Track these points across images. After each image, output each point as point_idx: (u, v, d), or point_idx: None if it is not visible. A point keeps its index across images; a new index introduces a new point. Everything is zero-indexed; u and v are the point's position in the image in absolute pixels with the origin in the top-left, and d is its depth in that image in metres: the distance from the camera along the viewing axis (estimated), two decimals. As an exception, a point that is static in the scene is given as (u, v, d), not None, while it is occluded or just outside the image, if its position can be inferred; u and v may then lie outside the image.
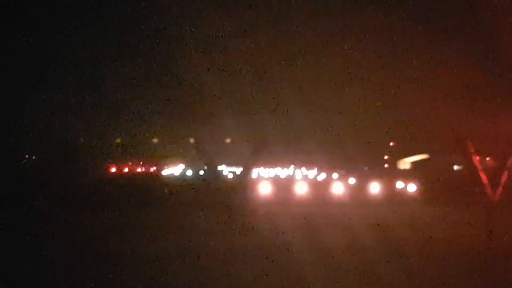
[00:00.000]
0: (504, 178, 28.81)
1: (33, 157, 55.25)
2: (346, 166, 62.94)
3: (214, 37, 25.14)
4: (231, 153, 47.02)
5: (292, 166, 74.13)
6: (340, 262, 19.72)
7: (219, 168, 45.80)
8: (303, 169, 72.86)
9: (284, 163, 72.98)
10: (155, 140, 42.39)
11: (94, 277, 17.05)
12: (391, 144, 55.18)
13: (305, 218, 32.69)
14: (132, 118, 32.02)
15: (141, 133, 37.75)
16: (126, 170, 66.70)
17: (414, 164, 64.86)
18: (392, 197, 47.04)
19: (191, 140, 38.93)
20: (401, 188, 52.88)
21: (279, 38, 25.58)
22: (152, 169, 67.22)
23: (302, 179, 62.83)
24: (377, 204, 42.47)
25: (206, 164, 39.04)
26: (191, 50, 25.32)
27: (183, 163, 66.65)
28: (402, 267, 19.17)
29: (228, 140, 38.37)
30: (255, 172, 57.73)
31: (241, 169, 44.02)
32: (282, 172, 73.80)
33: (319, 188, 51.29)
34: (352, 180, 57.35)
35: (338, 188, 50.57)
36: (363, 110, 31.09)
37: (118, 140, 43.67)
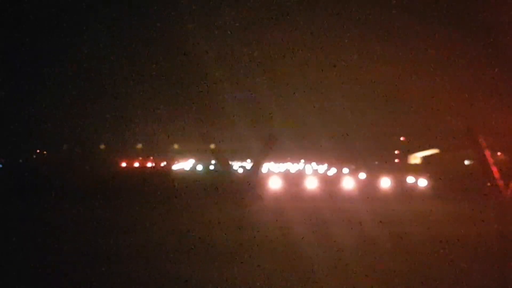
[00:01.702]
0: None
1: (44, 152, 55.67)
2: (356, 161, 62.85)
3: (226, 34, 25.23)
4: (241, 148, 47.08)
5: (302, 161, 74.16)
6: (351, 257, 19.75)
7: (230, 163, 45.93)
8: (314, 164, 72.85)
9: (294, 158, 73.05)
10: (167, 137, 42.55)
11: (103, 271, 17.16)
12: (401, 139, 55.15)
13: (315, 212, 32.71)
14: (145, 115, 32.16)
15: (153, 130, 37.89)
16: (136, 164, 66.95)
17: (425, 158, 64.76)
18: (403, 192, 46.91)
19: (202, 136, 39.05)
20: (412, 183, 52.73)
21: (290, 34, 25.61)
22: (163, 164, 67.40)
23: (313, 174, 62.75)
24: (388, 199, 42.38)
25: (216, 159, 39.17)
26: (203, 48, 25.40)
27: (193, 158, 66.83)
28: (413, 262, 19.17)
29: (238, 136, 38.47)
30: (265, 167, 57.73)
31: (251, 164, 44.11)
32: (293, 167, 73.81)
33: (329, 183, 51.20)
34: (362, 175, 57.22)
35: (349, 183, 50.47)
36: (374, 105, 31.08)
37: (130, 137, 43.84)
